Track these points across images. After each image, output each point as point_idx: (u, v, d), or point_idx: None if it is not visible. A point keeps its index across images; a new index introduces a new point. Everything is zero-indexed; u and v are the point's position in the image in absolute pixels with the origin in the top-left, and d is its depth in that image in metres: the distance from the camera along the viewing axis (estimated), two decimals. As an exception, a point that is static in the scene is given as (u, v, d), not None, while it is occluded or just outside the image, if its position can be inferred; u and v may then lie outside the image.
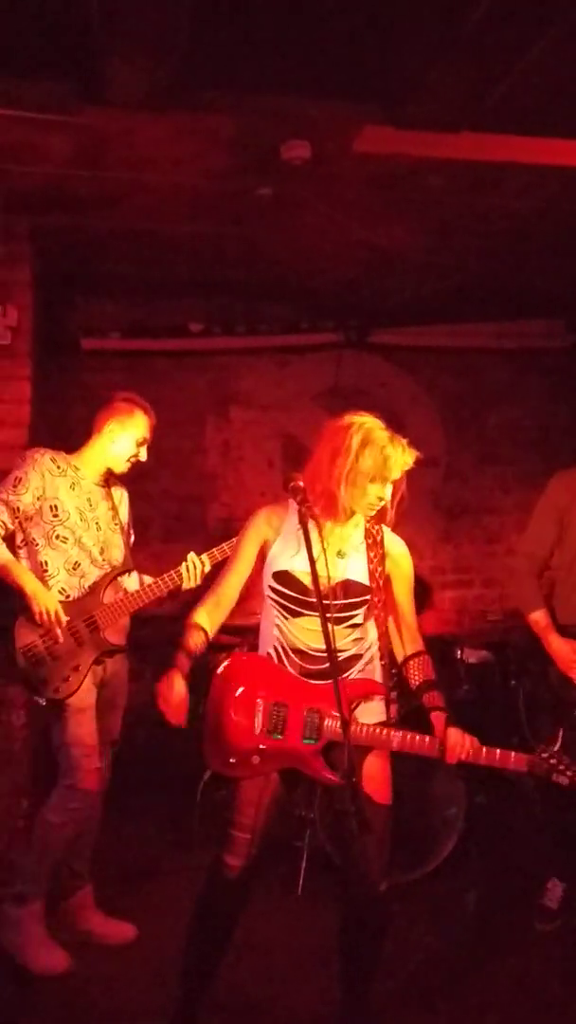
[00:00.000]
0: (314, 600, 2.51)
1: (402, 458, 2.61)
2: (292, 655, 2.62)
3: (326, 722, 2.57)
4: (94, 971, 3.26)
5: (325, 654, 2.52)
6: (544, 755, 2.60)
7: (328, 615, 2.48)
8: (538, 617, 3.50)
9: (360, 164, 3.66)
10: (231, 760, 2.61)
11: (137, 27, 2.55)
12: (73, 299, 5.58)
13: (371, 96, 3.15)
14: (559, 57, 2.91)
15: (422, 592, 6.03)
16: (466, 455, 6.24)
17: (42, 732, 4.18)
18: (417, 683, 2.71)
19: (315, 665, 2.60)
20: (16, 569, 3.30)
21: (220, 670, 2.72)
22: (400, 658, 2.77)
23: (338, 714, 2.44)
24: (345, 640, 2.63)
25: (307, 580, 2.56)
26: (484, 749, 2.59)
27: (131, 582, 3.64)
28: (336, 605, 2.59)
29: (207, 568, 3.55)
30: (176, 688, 2.62)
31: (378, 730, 2.59)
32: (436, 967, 3.28)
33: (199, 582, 3.50)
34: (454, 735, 2.58)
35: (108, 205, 4.20)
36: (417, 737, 2.58)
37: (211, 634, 2.71)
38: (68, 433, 5.59)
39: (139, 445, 3.57)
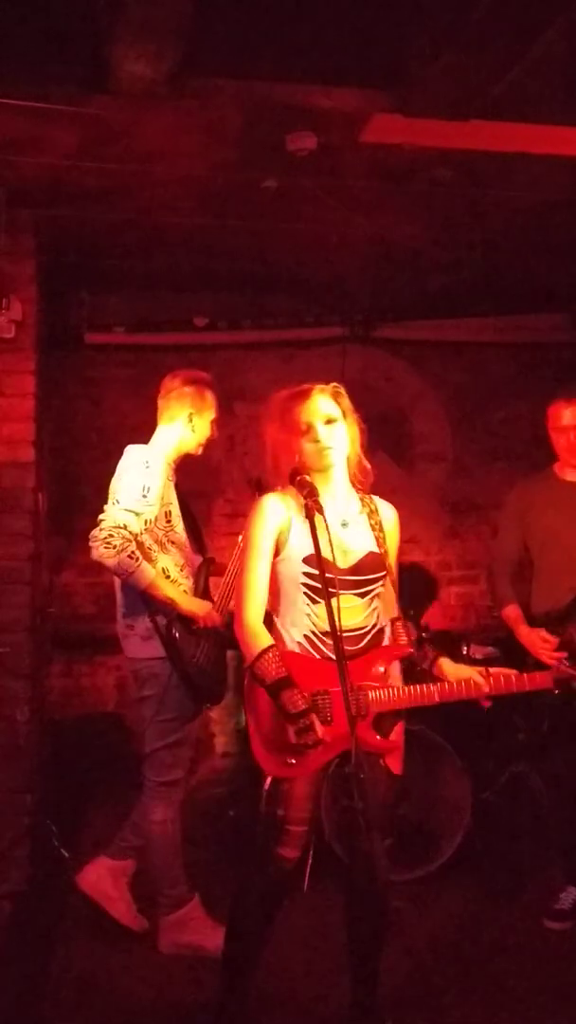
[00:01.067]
0: (344, 579, 2.60)
1: (313, 399, 2.67)
2: (327, 638, 2.58)
3: (370, 695, 2.61)
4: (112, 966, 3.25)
5: (357, 633, 2.62)
6: (564, 666, 2.80)
7: (358, 591, 2.62)
8: (509, 612, 3.77)
9: (367, 155, 3.62)
10: (291, 761, 2.56)
11: (144, 15, 2.52)
12: (77, 293, 5.55)
13: (379, 85, 3.12)
14: (570, 44, 2.89)
15: (428, 586, 6.05)
16: (472, 450, 6.20)
17: (45, 728, 4.19)
18: (412, 640, 2.79)
19: (350, 646, 2.59)
20: (163, 584, 3.22)
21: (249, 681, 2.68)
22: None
23: (376, 685, 2.62)
24: (371, 613, 2.68)
25: (340, 559, 2.62)
26: (513, 675, 2.75)
27: None
28: (363, 580, 2.65)
29: None
30: (317, 726, 2.52)
31: (418, 688, 2.67)
32: (444, 964, 3.26)
33: None
34: (475, 672, 2.72)
35: (113, 198, 4.17)
36: (455, 684, 2.69)
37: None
38: (71, 428, 5.63)
39: (213, 425, 3.53)
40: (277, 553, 2.66)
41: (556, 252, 4.96)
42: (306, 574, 2.61)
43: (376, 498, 2.86)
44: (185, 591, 3.35)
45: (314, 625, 2.62)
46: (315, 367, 5.83)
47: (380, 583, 2.69)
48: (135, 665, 3.40)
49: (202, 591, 3.45)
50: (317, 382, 2.78)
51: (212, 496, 5.78)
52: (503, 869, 4.02)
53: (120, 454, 3.44)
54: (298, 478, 2.62)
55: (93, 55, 2.88)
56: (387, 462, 6.11)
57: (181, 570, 3.38)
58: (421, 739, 3.99)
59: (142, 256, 5.07)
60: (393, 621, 2.78)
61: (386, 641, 2.74)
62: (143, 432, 3.63)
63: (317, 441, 2.64)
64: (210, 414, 3.50)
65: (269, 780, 2.56)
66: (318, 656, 2.61)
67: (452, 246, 4.85)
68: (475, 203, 4.30)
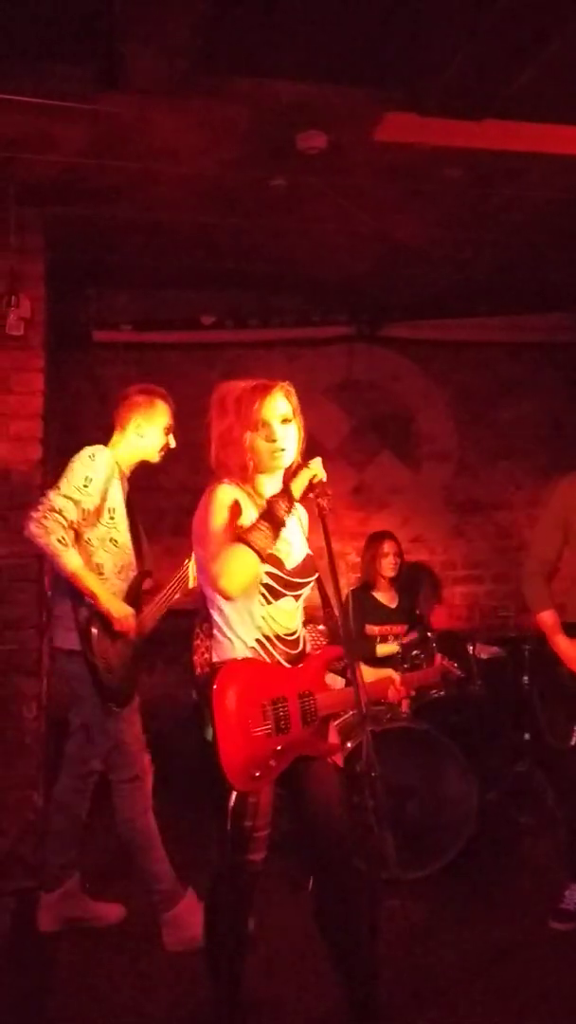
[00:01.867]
0: (293, 580, 2.58)
1: (273, 396, 2.55)
2: (277, 643, 2.58)
3: (319, 699, 2.60)
4: (106, 967, 3.26)
5: (293, 637, 2.61)
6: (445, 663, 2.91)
7: (296, 593, 2.59)
8: (545, 617, 3.56)
9: (378, 154, 3.62)
10: (256, 774, 2.51)
11: (158, 12, 2.52)
12: (85, 291, 5.56)
13: (393, 84, 3.12)
14: (584, 45, 2.87)
15: (433, 586, 6.05)
16: (478, 450, 6.21)
17: (55, 725, 4.19)
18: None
19: (294, 649, 2.62)
20: (88, 576, 3.24)
21: (215, 690, 2.54)
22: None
23: (322, 690, 2.61)
24: (300, 618, 2.67)
25: (286, 560, 2.59)
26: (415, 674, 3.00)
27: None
28: (303, 583, 2.63)
29: None
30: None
31: (347, 690, 2.68)
32: (449, 964, 3.26)
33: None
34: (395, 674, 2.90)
35: (122, 196, 4.17)
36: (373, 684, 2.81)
37: None
38: (78, 425, 5.64)
39: (167, 433, 3.60)
40: None
41: (565, 252, 4.96)
42: (268, 573, 2.54)
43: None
44: (115, 593, 3.36)
45: (268, 627, 2.57)
46: (321, 366, 5.84)
47: (310, 585, 2.67)
48: (58, 659, 3.49)
49: (132, 599, 3.44)
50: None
51: (218, 494, 5.78)
52: (508, 869, 4.02)
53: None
54: (314, 480, 2.57)
55: (106, 53, 2.88)
56: (393, 461, 6.13)
57: (119, 572, 3.41)
58: (427, 739, 3.99)
59: (150, 254, 5.07)
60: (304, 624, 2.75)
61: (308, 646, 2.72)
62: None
63: (273, 441, 2.54)
64: (162, 422, 3.58)
65: (234, 795, 2.50)
66: (270, 661, 2.57)
67: (461, 245, 4.85)
68: (485, 202, 4.30)
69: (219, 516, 2.53)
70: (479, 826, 3.97)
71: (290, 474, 2.63)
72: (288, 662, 2.60)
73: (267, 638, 2.57)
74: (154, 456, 3.61)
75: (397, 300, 5.82)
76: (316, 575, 2.66)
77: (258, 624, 2.57)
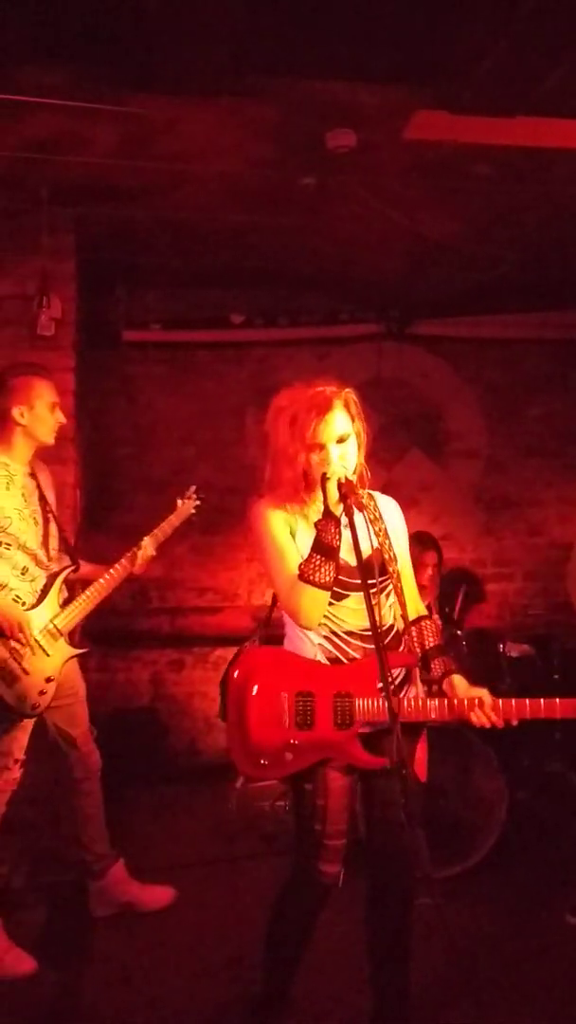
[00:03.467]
0: (352, 580, 2.47)
1: (331, 416, 2.48)
2: (349, 639, 2.53)
3: (357, 704, 2.49)
4: (137, 963, 3.28)
5: (370, 633, 2.46)
6: None
7: (374, 591, 2.46)
8: None
9: (408, 152, 3.62)
10: (262, 762, 2.51)
11: (190, 13, 2.53)
12: (115, 291, 5.60)
13: (424, 81, 3.11)
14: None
15: (464, 584, 6.02)
16: (508, 447, 6.17)
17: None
18: (429, 646, 2.60)
19: (370, 644, 2.49)
20: None
21: (234, 671, 2.58)
22: (404, 623, 2.63)
23: (368, 694, 2.45)
24: (388, 613, 2.58)
25: (347, 558, 2.51)
26: (527, 702, 2.51)
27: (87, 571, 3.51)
28: (377, 580, 2.53)
29: (152, 552, 3.53)
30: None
31: (414, 703, 2.51)
32: (479, 962, 3.26)
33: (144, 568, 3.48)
34: (486, 694, 2.49)
35: (151, 196, 4.20)
36: (455, 703, 2.48)
37: None
38: (109, 424, 5.68)
39: (54, 408, 3.38)
40: None
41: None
42: None
43: (375, 494, 2.69)
44: (18, 596, 3.22)
45: (334, 625, 2.54)
46: (350, 364, 5.84)
47: (387, 581, 2.58)
48: None
49: (47, 595, 3.30)
50: (353, 379, 2.67)
51: (247, 492, 5.78)
52: (539, 867, 4.01)
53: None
54: (344, 481, 2.48)
55: (139, 55, 2.90)
56: (422, 459, 6.11)
57: (23, 573, 3.26)
58: (456, 737, 3.98)
59: (180, 254, 5.10)
60: (416, 621, 2.63)
61: (403, 646, 2.61)
62: (177, 428, 3.65)
63: (330, 464, 2.49)
64: (45, 399, 3.34)
65: (240, 781, 2.52)
66: (345, 659, 2.53)
67: (490, 242, 4.83)
68: (515, 199, 4.28)
69: (272, 527, 2.54)
70: (509, 825, 3.95)
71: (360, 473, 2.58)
72: (368, 657, 2.51)
73: (335, 634, 2.54)
74: (49, 438, 3.39)
75: (426, 297, 5.81)
76: (390, 570, 2.56)
77: (324, 622, 2.53)
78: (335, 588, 2.51)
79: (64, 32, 2.87)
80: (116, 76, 3.07)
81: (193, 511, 3.79)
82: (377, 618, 2.40)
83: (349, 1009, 2.93)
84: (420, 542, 4.97)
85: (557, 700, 2.49)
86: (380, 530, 2.61)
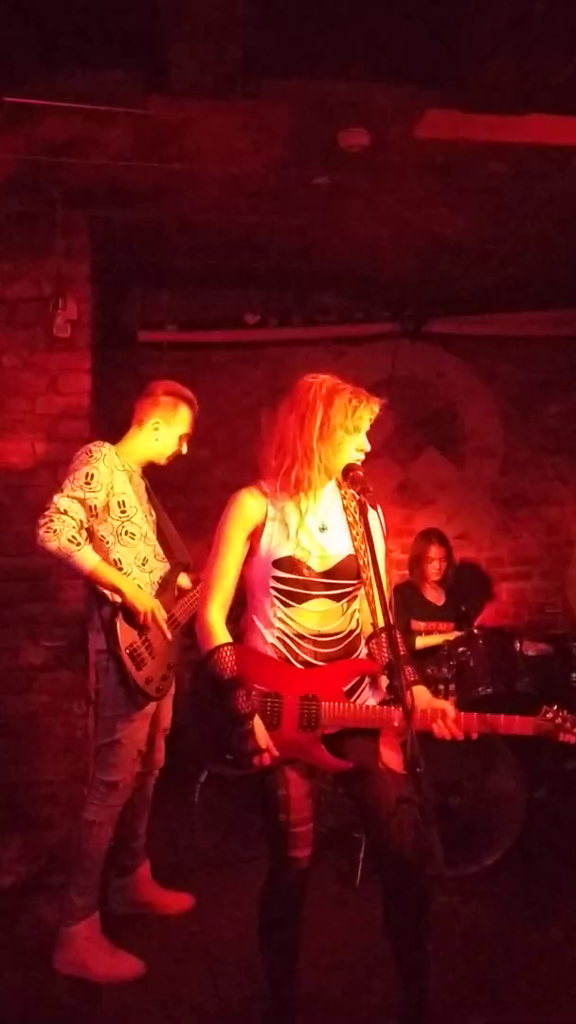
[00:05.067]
0: (317, 581, 2.52)
1: (368, 406, 2.56)
2: (302, 642, 2.54)
3: (323, 708, 2.51)
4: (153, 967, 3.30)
5: (333, 637, 2.54)
6: (548, 715, 2.54)
7: (333, 594, 2.52)
8: None
9: (421, 150, 3.61)
10: (228, 757, 2.53)
11: (202, 15, 2.54)
12: (130, 292, 5.62)
13: (436, 80, 3.10)
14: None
15: (481, 583, 6.01)
16: (524, 445, 6.16)
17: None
18: (390, 657, 2.55)
19: (327, 649, 2.55)
20: (108, 571, 3.23)
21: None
22: (369, 631, 2.65)
23: (334, 699, 2.51)
24: (349, 618, 2.60)
25: (313, 562, 2.53)
26: (487, 716, 2.52)
27: (183, 578, 3.65)
28: (337, 584, 2.55)
29: None
30: (260, 732, 2.48)
31: (378, 709, 2.54)
32: (497, 963, 3.25)
33: None
34: (448, 706, 2.51)
35: (165, 197, 4.21)
36: (418, 712, 2.48)
37: (231, 640, 2.59)
38: (125, 425, 5.70)
39: (182, 441, 3.54)
40: (251, 553, 2.59)
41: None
42: (276, 578, 2.54)
43: (360, 498, 2.60)
44: (139, 586, 3.33)
45: (288, 627, 2.56)
46: (365, 363, 5.84)
47: (355, 586, 2.59)
48: (94, 658, 3.45)
49: (164, 592, 3.43)
50: (368, 378, 2.72)
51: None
52: (557, 866, 4.00)
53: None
54: (352, 473, 2.54)
55: (151, 57, 2.91)
56: (438, 458, 6.10)
57: (143, 564, 3.39)
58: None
59: (194, 254, 5.11)
60: (371, 637, 2.64)
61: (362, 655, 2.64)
62: (192, 428, 3.67)
63: (361, 451, 2.58)
64: (180, 429, 3.52)
65: (204, 775, 2.55)
66: (296, 661, 2.55)
67: (504, 240, 4.81)
68: (528, 196, 4.26)
69: (227, 522, 2.60)
70: (527, 823, 3.94)
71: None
72: (324, 662, 2.56)
73: (288, 636, 2.55)
74: (162, 460, 3.55)
75: (440, 296, 5.79)
76: (355, 577, 2.58)
77: (277, 624, 2.56)
78: (297, 591, 2.55)
79: (77, 35, 2.89)
80: (129, 79, 3.08)
81: None
82: (337, 623, 2.51)
83: (359, 1008, 2.94)
84: (425, 537, 4.98)
85: (516, 717, 2.54)
86: (357, 534, 2.62)
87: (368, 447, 2.61)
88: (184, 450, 3.58)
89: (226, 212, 4.41)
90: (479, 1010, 2.94)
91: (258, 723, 2.48)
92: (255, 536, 2.59)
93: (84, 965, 3.19)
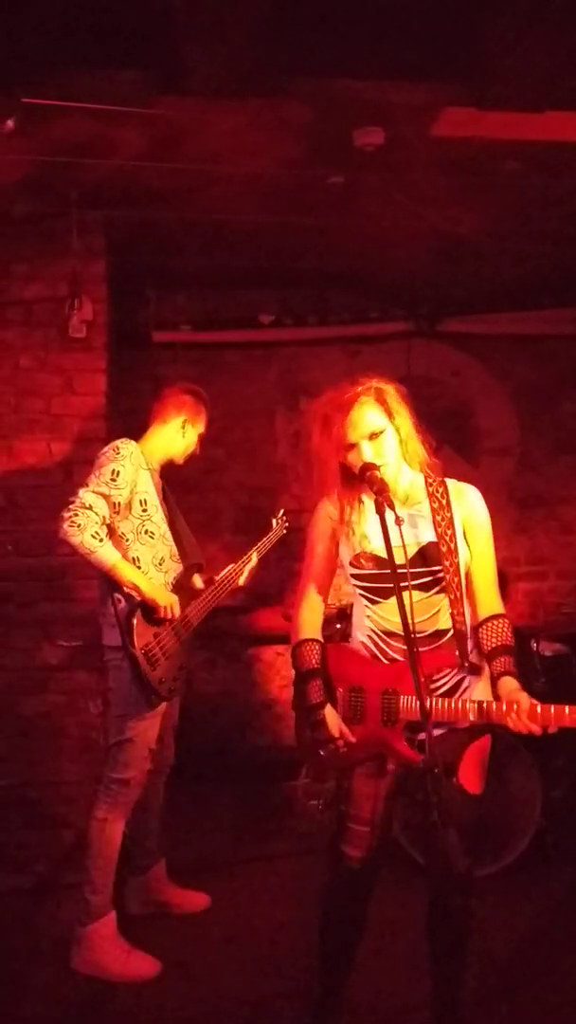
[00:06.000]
0: (404, 573, 2.44)
1: (346, 422, 2.51)
2: (392, 640, 2.54)
3: (401, 702, 2.50)
4: (174, 963, 3.30)
5: (420, 633, 2.47)
6: None
7: (411, 584, 2.41)
8: None
9: (437, 148, 3.60)
10: (320, 752, 2.59)
11: (217, 14, 2.54)
12: (144, 292, 5.63)
13: (452, 78, 3.08)
14: None
15: (500, 583, 5.98)
16: (540, 444, 6.13)
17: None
18: (491, 647, 2.52)
19: (423, 647, 2.48)
20: (127, 568, 3.25)
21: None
22: (475, 621, 2.57)
23: (413, 692, 2.40)
24: (444, 612, 2.52)
25: (396, 555, 2.47)
26: (563, 710, 2.36)
27: (196, 579, 3.66)
28: (418, 573, 2.50)
29: (255, 564, 3.74)
30: (332, 721, 2.55)
31: (456, 704, 2.46)
32: (513, 963, 3.24)
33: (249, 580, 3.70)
34: (527, 698, 2.36)
35: (180, 197, 4.21)
36: (495, 705, 2.40)
37: (320, 638, 2.68)
38: (140, 426, 5.71)
39: (200, 441, 3.64)
40: (340, 558, 2.69)
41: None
42: (354, 576, 2.61)
43: (450, 482, 2.67)
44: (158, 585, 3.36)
45: (375, 625, 2.58)
46: (380, 362, 5.82)
47: (441, 573, 2.52)
48: (105, 655, 3.47)
49: (178, 592, 3.44)
50: (369, 378, 2.59)
51: (278, 492, 5.82)
52: (574, 866, 3.98)
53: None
54: (369, 474, 2.48)
55: (166, 57, 2.91)
56: (453, 457, 6.07)
57: (160, 563, 3.42)
58: (491, 736, 3.96)
59: (209, 254, 5.11)
60: (485, 620, 2.56)
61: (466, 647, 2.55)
62: (207, 428, 3.69)
63: (364, 462, 2.51)
64: (200, 427, 3.62)
65: (303, 773, 2.63)
66: (384, 659, 2.56)
67: (520, 238, 4.79)
68: (544, 194, 4.24)
69: (312, 530, 2.71)
70: (544, 824, 3.93)
71: (424, 461, 2.66)
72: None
73: (375, 633, 2.59)
74: (182, 459, 3.62)
75: (455, 295, 5.78)
76: (437, 566, 2.52)
77: (366, 623, 2.62)
78: (378, 585, 2.56)
79: (93, 36, 2.89)
80: (145, 79, 3.09)
81: (284, 532, 4.10)
82: (409, 616, 2.33)
83: (394, 1009, 2.93)
84: None
85: None
86: (443, 519, 2.56)
87: (370, 456, 2.51)
88: (197, 452, 3.66)
89: (241, 212, 4.41)
90: (495, 1010, 2.93)
91: (330, 713, 2.55)
92: (336, 541, 2.68)
93: (101, 965, 3.20)
